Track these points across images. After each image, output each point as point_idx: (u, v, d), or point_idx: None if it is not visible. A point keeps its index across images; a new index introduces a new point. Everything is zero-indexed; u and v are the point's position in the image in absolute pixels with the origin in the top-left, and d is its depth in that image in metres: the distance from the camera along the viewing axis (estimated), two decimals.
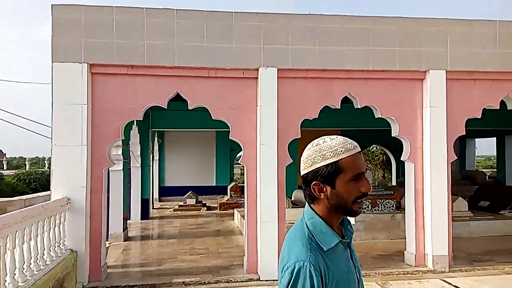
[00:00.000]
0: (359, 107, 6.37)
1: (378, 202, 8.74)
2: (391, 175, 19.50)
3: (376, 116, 6.47)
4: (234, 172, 22.12)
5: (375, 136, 14.38)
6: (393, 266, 6.21)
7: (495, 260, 6.58)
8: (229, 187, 13.67)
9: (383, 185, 12.11)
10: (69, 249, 5.34)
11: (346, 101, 6.44)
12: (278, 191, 5.91)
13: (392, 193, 9.04)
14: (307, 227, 1.30)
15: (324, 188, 1.29)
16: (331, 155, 1.27)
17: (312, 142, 1.35)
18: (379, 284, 5.39)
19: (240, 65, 5.98)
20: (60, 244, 5.11)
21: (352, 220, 8.26)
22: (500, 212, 9.33)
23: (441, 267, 6.03)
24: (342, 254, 1.33)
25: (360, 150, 1.33)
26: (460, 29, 6.36)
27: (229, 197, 13.26)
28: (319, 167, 1.28)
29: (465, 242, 7.88)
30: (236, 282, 5.58)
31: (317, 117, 6.24)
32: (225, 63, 5.94)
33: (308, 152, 1.33)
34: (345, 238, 1.36)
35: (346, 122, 12.28)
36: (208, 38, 5.90)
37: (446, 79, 6.26)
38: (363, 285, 1.42)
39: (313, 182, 1.30)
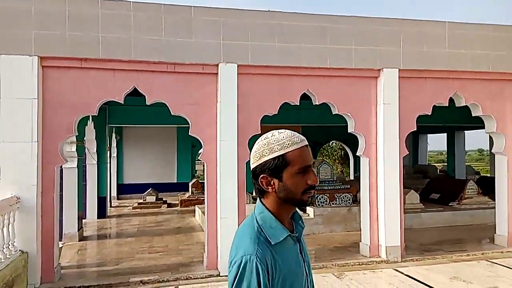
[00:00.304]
0: (317, 103, 6.50)
1: (335, 196, 8.99)
2: (349, 169, 20.09)
3: (333, 113, 6.64)
4: (196, 169, 21.93)
5: (334, 132, 14.76)
6: (349, 257, 6.43)
7: (443, 249, 6.96)
8: (190, 184, 13.55)
9: (341, 179, 12.46)
10: (19, 250, 5.09)
11: (305, 97, 6.56)
12: (238, 187, 5.94)
13: (349, 187, 9.33)
14: (257, 221, 1.32)
15: (272, 181, 1.31)
16: (278, 148, 1.30)
17: (261, 137, 1.37)
18: (335, 275, 5.56)
19: (199, 61, 5.93)
20: (9, 245, 4.87)
21: (311, 213, 8.46)
22: (449, 204, 9.87)
23: (394, 257, 6.31)
24: (291, 248, 1.35)
25: (307, 143, 1.36)
26: (412, 29, 6.64)
27: (190, 193, 13.14)
28: (267, 160, 1.30)
29: (417, 233, 8.29)
30: (196, 278, 5.56)
31: (277, 113, 6.32)
32: (184, 58, 5.86)
33: (257, 146, 1.35)
34: (295, 232, 1.38)
35: (306, 119, 12.50)
36: (167, 32, 5.81)
37: (399, 77, 6.52)
38: (312, 278, 1.46)
39: (261, 176, 1.32)
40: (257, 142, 1.37)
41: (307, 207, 8.66)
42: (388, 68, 6.49)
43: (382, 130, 6.52)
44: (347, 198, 9.05)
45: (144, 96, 5.85)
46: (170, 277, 5.57)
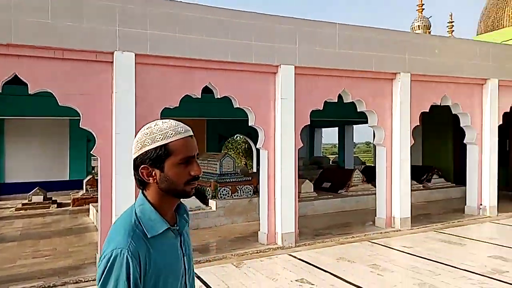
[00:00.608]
0: (219, 97, 6.55)
1: (237, 188, 9.21)
2: (253, 162, 20.71)
3: (234, 106, 6.76)
4: (93, 165, 20.46)
5: (239, 125, 15.03)
6: (248, 246, 6.65)
7: (332, 233, 7.60)
8: (85, 181, 12.60)
9: (244, 172, 12.79)
10: None
11: (209, 91, 6.57)
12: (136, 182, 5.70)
13: (250, 178, 9.62)
14: (136, 214, 1.29)
15: (153, 172, 1.29)
16: (160, 138, 1.27)
17: (144, 126, 1.34)
18: (234, 265, 5.71)
19: (92, 47, 5.53)
20: None
21: (213, 206, 8.53)
22: (339, 191, 10.78)
23: (289, 243, 6.70)
24: (171, 242, 1.33)
25: (192, 134, 1.35)
26: (308, 28, 7.06)
27: (84, 191, 12.23)
28: (148, 150, 1.27)
29: (310, 219, 8.91)
30: (86, 281, 5.19)
31: (178, 105, 6.21)
32: (74, 44, 5.41)
33: (139, 135, 1.31)
34: (177, 226, 1.37)
35: (209, 112, 12.54)
36: (54, 15, 5.29)
37: (295, 73, 6.89)
38: (192, 273, 1.45)
39: (142, 166, 1.29)
40: (139, 131, 1.33)
41: (210, 200, 8.72)
42: (285, 65, 6.81)
43: (279, 123, 6.83)
44: (248, 189, 9.32)
45: (27, 85, 5.28)
46: (57, 282, 5.12)
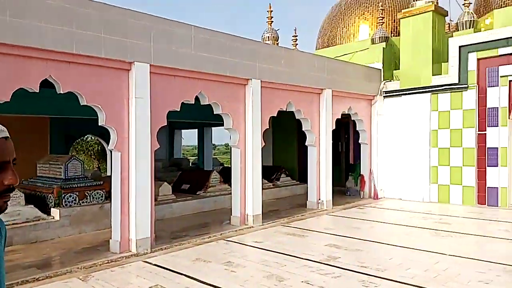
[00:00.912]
0: (62, 92, 5.87)
1: (86, 194, 8.42)
2: (107, 165, 19.31)
3: (81, 104, 6.17)
4: None
5: (90, 125, 13.78)
6: (97, 257, 6.13)
7: (190, 234, 7.59)
8: None
9: (96, 176, 11.81)
10: None
11: (51, 85, 5.82)
12: None
13: (102, 183, 8.91)
14: None
15: None
16: None
17: None
18: (80, 279, 5.18)
19: None
20: None
21: (56, 215, 7.63)
22: (197, 193, 10.84)
23: (144, 249, 6.43)
24: None
25: (7, 135, 1.14)
26: (163, 27, 6.89)
27: None
28: None
29: (168, 222, 8.74)
30: None
31: (8, 100, 5.34)
32: None
33: None
34: None
35: (54, 109, 11.21)
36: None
37: (150, 72, 6.65)
38: None
39: None
40: None
41: (53, 209, 7.76)
42: (139, 62, 6.51)
43: (134, 124, 6.50)
44: (100, 195, 8.62)
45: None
46: None
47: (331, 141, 10.58)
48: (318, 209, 10.26)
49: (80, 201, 8.24)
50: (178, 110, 7.26)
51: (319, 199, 10.38)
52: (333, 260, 5.89)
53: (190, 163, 20.30)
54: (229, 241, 7.20)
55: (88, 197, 8.41)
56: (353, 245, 6.80)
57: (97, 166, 23.95)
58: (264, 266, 5.67)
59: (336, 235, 7.59)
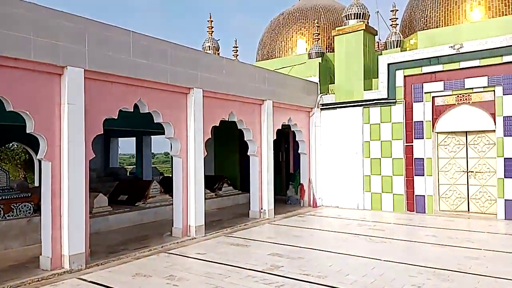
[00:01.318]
0: None
1: (12, 207, 7.74)
2: (34, 175, 17.92)
3: (7, 109, 5.68)
4: None
5: (16, 132, 12.79)
6: (26, 275, 5.62)
7: (129, 248, 7.25)
8: None
9: (23, 187, 10.89)
10: None
11: None
12: None
13: (29, 195, 8.24)
14: None
15: None
16: None
17: None
18: None
19: None
20: None
21: None
22: (136, 204, 10.43)
23: (78, 266, 6.02)
24: None
25: None
26: (100, 31, 6.58)
27: None
28: None
29: (104, 235, 8.29)
30: None
31: None
32: None
33: None
34: None
35: None
36: None
37: (85, 77, 6.31)
38: None
39: None
40: None
41: None
42: (73, 67, 6.14)
43: (66, 132, 6.10)
44: (27, 207, 7.97)
45: None
46: None
47: (273, 151, 10.75)
48: (260, 218, 10.34)
49: (6, 215, 7.56)
50: (116, 118, 6.96)
51: (262, 209, 10.47)
52: (276, 269, 5.95)
53: (128, 173, 19.53)
54: (170, 253, 6.98)
55: (15, 210, 7.74)
56: (295, 253, 6.92)
57: (23, 176, 22.16)
58: (208, 278, 5.56)
59: (278, 244, 7.68)
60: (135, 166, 20.63)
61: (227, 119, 9.50)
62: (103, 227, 8.83)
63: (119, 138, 19.74)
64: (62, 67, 6.06)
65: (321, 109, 12.79)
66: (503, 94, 9.86)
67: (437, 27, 12.22)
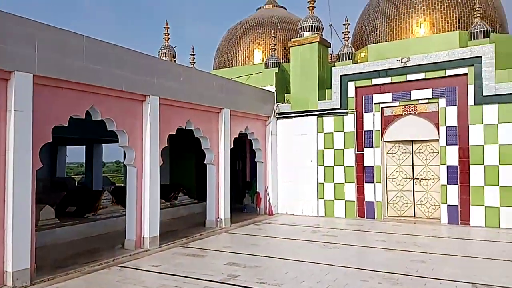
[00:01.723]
0: None
1: None
2: None
3: None
4: None
5: None
6: None
7: (78, 262, 6.90)
8: None
9: None
10: None
11: None
12: None
13: None
14: None
15: None
16: None
17: None
18: None
19: None
20: None
21: None
22: (85, 216, 9.97)
23: (23, 282, 5.64)
24: None
25: None
26: (50, 35, 6.30)
27: None
28: None
29: (51, 250, 7.84)
30: None
31: None
32: None
33: None
34: None
35: None
36: None
37: (34, 83, 6.00)
38: None
39: None
40: None
41: None
42: (21, 72, 5.83)
43: (12, 140, 5.75)
44: None
45: None
46: None
47: (229, 160, 10.75)
48: (217, 227, 10.26)
49: None
50: (66, 125, 6.66)
51: (218, 218, 10.40)
52: (233, 279, 5.92)
53: (76, 183, 18.67)
54: (123, 267, 6.74)
55: None
56: (252, 261, 6.94)
57: None
58: None
59: (235, 252, 7.66)
60: (84, 176, 19.76)
61: (184, 127, 9.39)
62: (50, 240, 8.35)
63: (67, 146, 18.85)
64: (9, 72, 5.73)
65: (277, 118, 13.01)
66: (446, 106, 10.57)
67: (386, 41, 12.90)
